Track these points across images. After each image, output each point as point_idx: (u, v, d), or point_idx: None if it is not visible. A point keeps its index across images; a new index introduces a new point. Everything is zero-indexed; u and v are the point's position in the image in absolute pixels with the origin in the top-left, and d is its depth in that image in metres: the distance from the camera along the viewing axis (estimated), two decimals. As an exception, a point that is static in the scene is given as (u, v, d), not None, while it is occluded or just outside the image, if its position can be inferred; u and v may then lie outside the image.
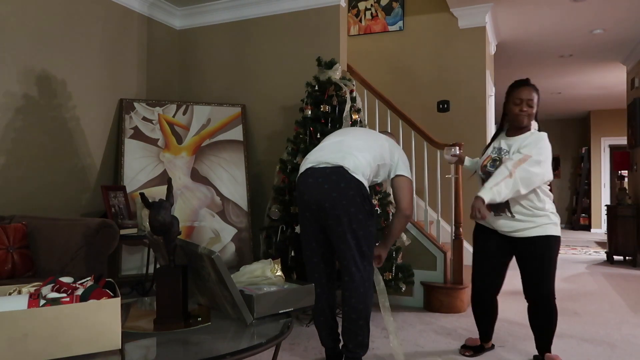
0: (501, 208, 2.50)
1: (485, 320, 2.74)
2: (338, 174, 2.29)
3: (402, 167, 2.51)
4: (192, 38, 4.51)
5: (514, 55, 6.39)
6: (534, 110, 2.51)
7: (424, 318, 3.48)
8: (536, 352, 2.64)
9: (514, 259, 2.64)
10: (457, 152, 2.83)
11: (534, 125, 2.60)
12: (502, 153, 2.54)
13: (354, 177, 2.28)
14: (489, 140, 2.80)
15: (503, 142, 2.60)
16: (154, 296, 2.09)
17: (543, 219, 2.47)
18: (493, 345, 2.86)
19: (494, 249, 2.62)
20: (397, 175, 2.50)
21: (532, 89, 2.51)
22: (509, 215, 2.50)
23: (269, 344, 1.51)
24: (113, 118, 3.86)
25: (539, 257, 2.47)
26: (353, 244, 2.28)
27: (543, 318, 2.52)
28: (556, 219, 2.51)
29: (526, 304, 2.58)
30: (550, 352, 2.59)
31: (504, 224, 2.53)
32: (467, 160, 2.86)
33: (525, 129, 2.55)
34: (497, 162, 2.52)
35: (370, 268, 2.37)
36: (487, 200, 2.33)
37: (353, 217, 2.26)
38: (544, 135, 2.47)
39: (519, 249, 2.53)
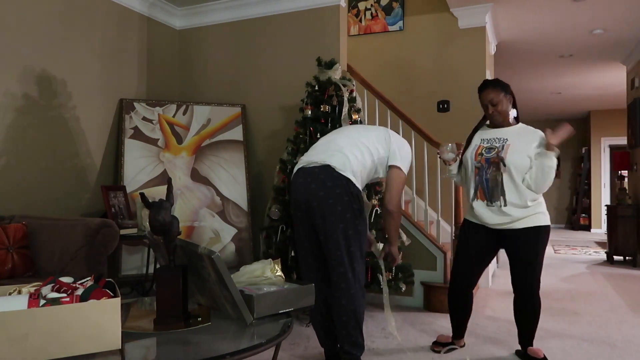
0: (496, 196, 2.53)
1: (461, 316, 2.78)
2: (325, 173, 2.28)
3: (396, 157, 2.43)
4: (192, 38, 4.51)
5: (514, 55, 6.39)
6: (502, 107, 2.59)
7: (424, 318, 3.48)
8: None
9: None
10: (456, 150, 2.77)
11: (513, 113, 2.67)
12: (497, 142, 2.58)
13: (341, 175, 2.27)
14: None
15: (492, 132, 2.64)
16: (154, 296, 2.09)
17: (535, 207, 2.51)
18: (464, 345, 2.88)
19: (480, 246, 2.65)
20: (389, 166, 2.45)
21: (491, 89, 2.59)
22: (503, 204, 2.51)
23: (269, 344, 1.51)
24: (113, 118, 3.86)
25: (530, 249, 2.50)
26: (342, 243, 2.26)
27: (528, 310, 2.57)
28: (545, 207, 2.56)
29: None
30: (532, 345, 2.63)
31: (494, 218, 2.54)
32: (454, 166, 2.79)
33: (506, 122, 2.64)
34: (492, 151, 2.56)
35: (360, 268, 2.34)
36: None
37: (340, 216, 2.25)
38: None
39: (510, 242, 2.55)
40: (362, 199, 2.34)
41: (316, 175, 2.29)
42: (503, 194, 2.51)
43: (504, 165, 2.49)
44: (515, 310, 2.62)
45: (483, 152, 2.59)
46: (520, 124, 2.66)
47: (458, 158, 2.76)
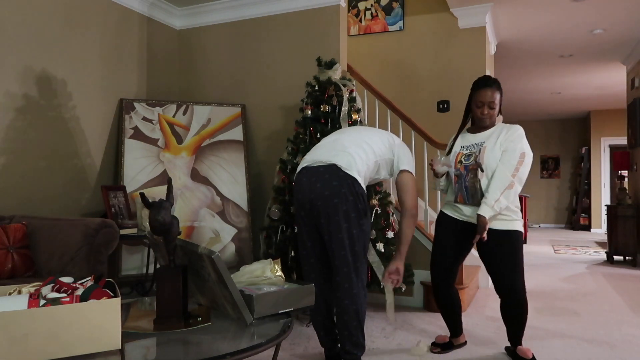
0: (476, 201, 2.52)
1: (451, 313, 2.75)
2: (331, 172, 2.28)
3: (404, 162, 2.47)
4: (192, 38, 4.51)
5: (514, 55, 6.39)
6: (496, 111, 2.56)
7: (424, 318, 3.48)
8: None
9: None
10: (449, 163, 2.70)
11: (499, 118, 2.62)
12: (475, 148, 2.56)
13: (347, 174, 2.27)
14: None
15: (471, 138, 2.62)
16: (154, 296, 2.09)
17: (512, 214, 2.51)
18: (466, 342, 2.87)
19: (455, 240, 2.64)
20: (400, 172, 2.47)
21: (494, 90, 2.53)
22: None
23: (269, 344, 1.51)
24: (113, 118, 3.86)
25: (508, 251, 2.49)
26: (347, 243, 2.26)
27: (516, 312, 2.55)
28: (520, 216, 2.55)
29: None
30: (521, 344, 2.63)
31: (474, 213, 2.52)
32: (443, 179, 2.76)
33: (490, 125, 2.61)
34: (471, 157, 2.54)
35: (363, 268, 2.34)
36: (489, 216, 2.41)
37: (346, 215, 2.24)
38: (520, 127, 2.52)
39: (486, 241, 2.52)
40: (366, 199, 2.35)
41: (321, 174, 2.29)
42: (482, 197, 2.49)
43: (482, 170, 2.48)
44: (502, 312, 2.60)
45: (462, 159, 2.57)
46: (499, 124, 2.62)
47: (450, 171, 2.69)
